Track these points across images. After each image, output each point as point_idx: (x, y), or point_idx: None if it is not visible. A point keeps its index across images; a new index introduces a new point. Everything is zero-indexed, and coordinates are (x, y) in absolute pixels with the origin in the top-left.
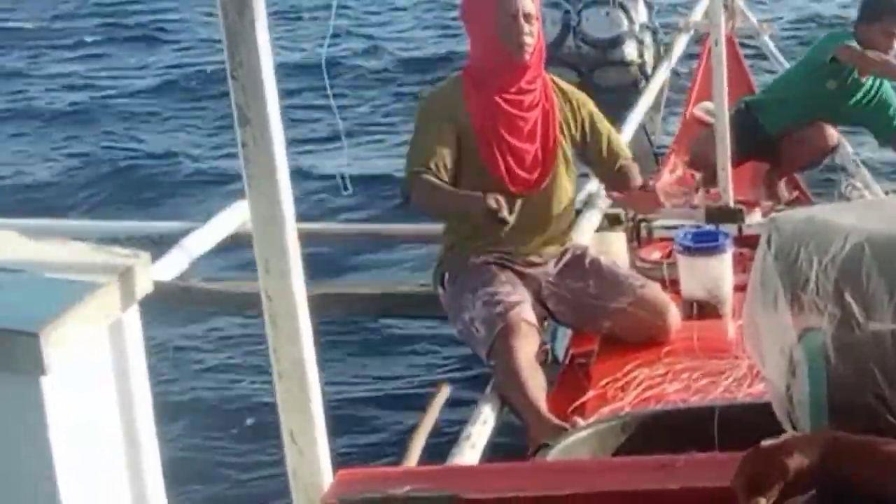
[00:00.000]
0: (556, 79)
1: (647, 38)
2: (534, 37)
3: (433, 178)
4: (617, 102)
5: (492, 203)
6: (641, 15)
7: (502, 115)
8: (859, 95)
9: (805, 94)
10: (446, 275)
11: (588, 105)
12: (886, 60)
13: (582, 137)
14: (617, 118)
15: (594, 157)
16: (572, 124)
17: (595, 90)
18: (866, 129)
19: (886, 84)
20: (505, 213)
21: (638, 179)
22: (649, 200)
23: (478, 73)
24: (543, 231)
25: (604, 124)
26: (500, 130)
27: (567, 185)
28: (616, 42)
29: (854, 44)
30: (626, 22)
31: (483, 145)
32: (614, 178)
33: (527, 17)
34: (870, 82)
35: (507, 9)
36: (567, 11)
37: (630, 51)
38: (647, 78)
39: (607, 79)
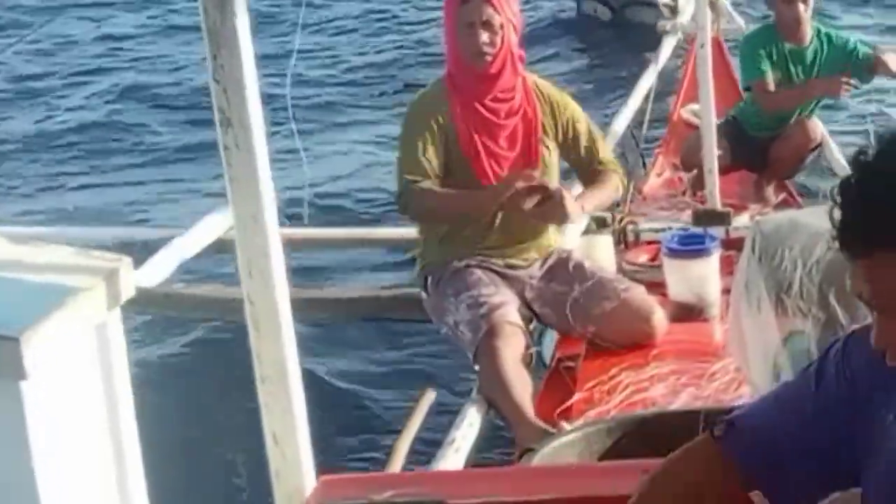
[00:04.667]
0: (539, 81)
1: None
2: (495, 45)
3: (429, 186)
4: (645, 40)
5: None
6: None
7: (481, 122)
8: (808, 61)
9: None
10: (429, 278)
11: (570, 107)
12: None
13: (564, 139)
14: (644, 56)
15: (574, 158)
16: (554, 127)
17: (626, 27)
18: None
19: (829, 32)
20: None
21: (606, 187)
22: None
23: (455, 80)
24: (526, 234)
25: (585, 128)
26: (481, 136)
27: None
28: None
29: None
30: None
31: (466, 149)
32: (587, 179)
33: (485, 24)
34: (812, 45)
35: (464, 17)
36: None
37: None
38: (676, 15)
39: (637, 16)
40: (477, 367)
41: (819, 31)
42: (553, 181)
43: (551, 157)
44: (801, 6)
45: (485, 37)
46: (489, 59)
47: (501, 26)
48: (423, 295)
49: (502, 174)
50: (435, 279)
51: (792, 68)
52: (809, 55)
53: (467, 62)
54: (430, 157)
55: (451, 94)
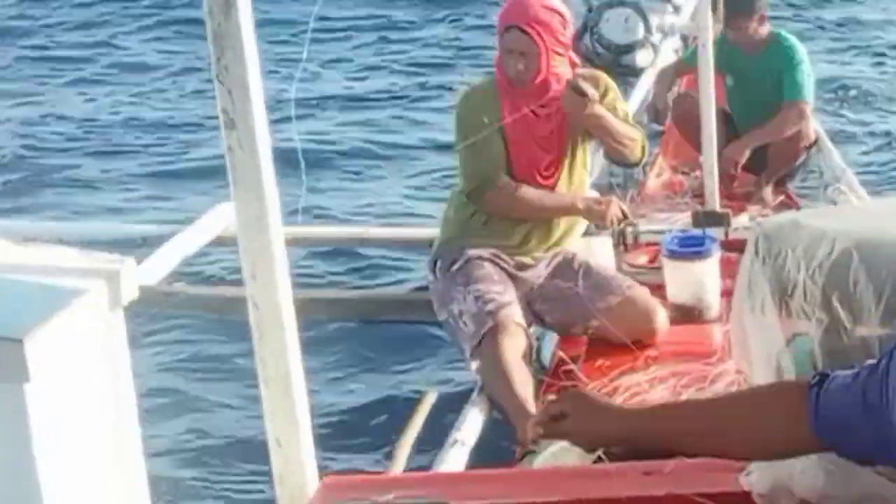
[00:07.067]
0: (580, 71)
1: (666, 43)
2: (531, 72)
3: (506, 183)
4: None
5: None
6: (668, 20)
7: (524, 124)
8: (753, 68)
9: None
10: (439, 262)
11: (611, 92)
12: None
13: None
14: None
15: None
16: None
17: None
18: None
19: (788, 43)
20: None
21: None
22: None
23: (503, 85)
24: (549, 232)
25: (622, 108)
26: (524, 136)
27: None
28: (629, 49)
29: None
30: (642, 30)
31: (510, 147)
32: None
33: (522, 54)
34: (764, 54)
35: (505, 44)
36: (590, 9)
37: (642, 59)
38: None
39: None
40: (473, 364)
41: (779, 37)
42: (581, 173)
43: (585, 152)
44: (753, 25)
45: (521, 65)
46: (523, 80)
47: (539, 55)
48: (430, 277)
49: (537, 173)
50: (445, 264)
51: (738, 72)
52: (756, 63)
53: (507, 78)
54: (494, 151)
55: (502, 91)
